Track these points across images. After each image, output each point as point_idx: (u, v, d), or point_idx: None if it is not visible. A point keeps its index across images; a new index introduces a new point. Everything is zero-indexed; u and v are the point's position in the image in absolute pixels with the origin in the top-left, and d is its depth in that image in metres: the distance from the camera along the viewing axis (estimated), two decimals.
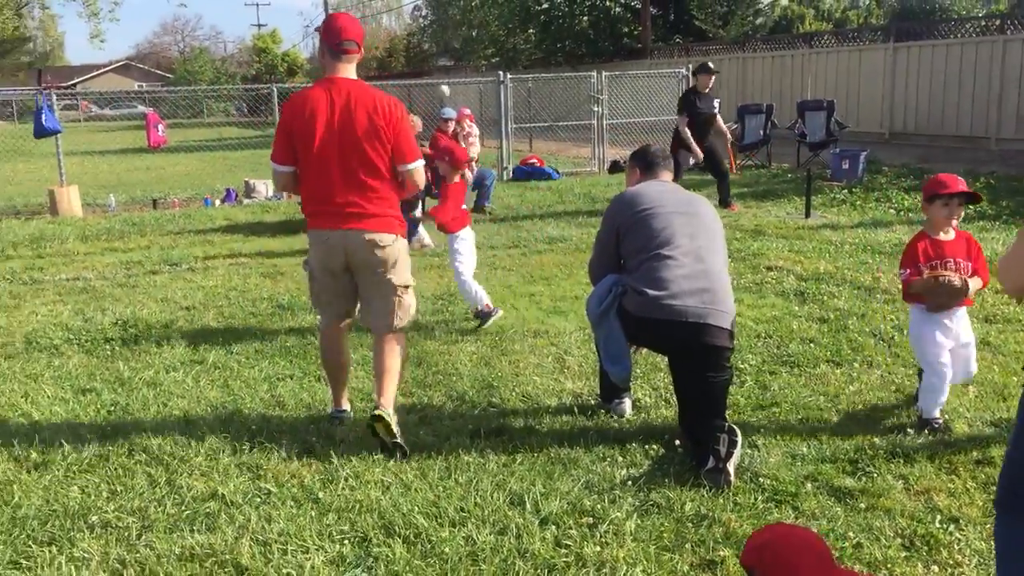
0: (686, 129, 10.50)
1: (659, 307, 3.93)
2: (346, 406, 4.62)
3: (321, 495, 3.68)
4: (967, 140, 16.87)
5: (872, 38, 20.36)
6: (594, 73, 16.38)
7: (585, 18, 31.60)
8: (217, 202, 13.74)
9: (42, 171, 15.63)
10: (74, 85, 59.55)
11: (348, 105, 4.12)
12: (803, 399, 4.62)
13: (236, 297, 7.24)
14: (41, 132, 12.83)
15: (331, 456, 4.04)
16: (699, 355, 3.95)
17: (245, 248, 9.63)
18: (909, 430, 4.16)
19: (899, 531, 3.30)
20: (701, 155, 10.51)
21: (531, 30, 33.51)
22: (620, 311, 4.10)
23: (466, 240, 6.28)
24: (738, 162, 15.74)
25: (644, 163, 4.61)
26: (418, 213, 8.77)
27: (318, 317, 4.91)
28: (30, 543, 3.35)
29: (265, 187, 14.27)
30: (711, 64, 11.04)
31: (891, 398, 4.62)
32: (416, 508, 3.51)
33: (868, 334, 5.67)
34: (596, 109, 16.00)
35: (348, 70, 4.25)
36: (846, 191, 12.04)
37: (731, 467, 3.68)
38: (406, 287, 4.38)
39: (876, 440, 4.07)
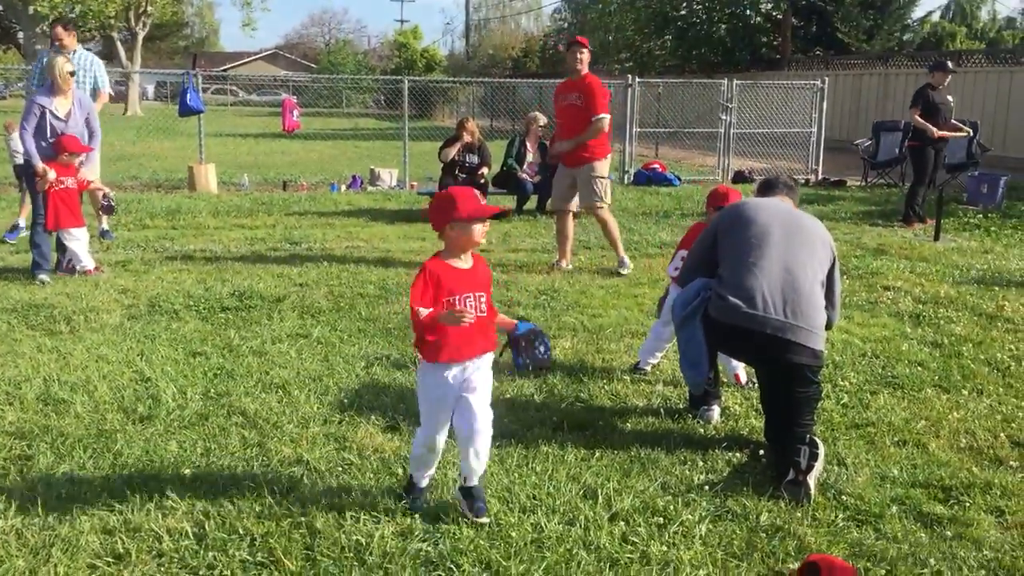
0: (917, 118, 10.66)
1: (740, 314, 3.86)
2: (565, 263, 7.98)
3: (399, 470, 3.77)
4: None
5: None
6: (725, 81, 16.11)
7: (724, 26, 31.03)
8: (343, 188, 14.17)
9: (186, 149, 16.46)
10: (225, 71, 62.39)
11: None
12: (902, 422, 4.45)
13: (347, 278, 7.46)
14: (185, 111, 13.53)
15: (415, 434, 4.12)
16: (781, 369, 3.88)
17: (363, 233, 9.91)
18: (1012, 463, 3.95)
19: (984, 562, 3.14)
20: (937, 132, 10.63)
21: (667, 36, 33.17)
22: (705, 317, 4.05)
23: None
24: (870, 180, 15.22)
25: (761, 185, 4.75)
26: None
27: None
28: (125, 488, 3.55)
29: (390, 176, 14.59)
30: (950, 63, 11.26)
31: (998, 428, 4.40)
32: (489, 492, 3.55)
33: (983, 362, 5.41)
34: (724, 118, 15.74)
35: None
36: (981, 215, 11.50)
37: (811, 481, 3.58)
38: (600, 178, 7.94)
39: (975, 469, 3.89)
